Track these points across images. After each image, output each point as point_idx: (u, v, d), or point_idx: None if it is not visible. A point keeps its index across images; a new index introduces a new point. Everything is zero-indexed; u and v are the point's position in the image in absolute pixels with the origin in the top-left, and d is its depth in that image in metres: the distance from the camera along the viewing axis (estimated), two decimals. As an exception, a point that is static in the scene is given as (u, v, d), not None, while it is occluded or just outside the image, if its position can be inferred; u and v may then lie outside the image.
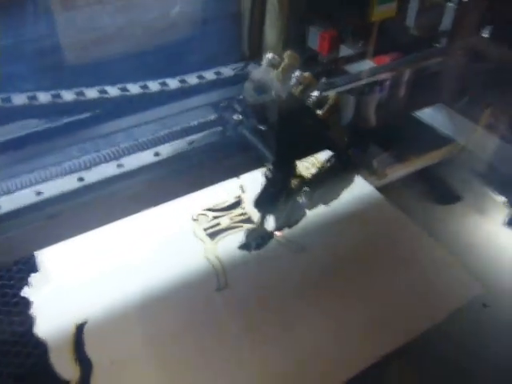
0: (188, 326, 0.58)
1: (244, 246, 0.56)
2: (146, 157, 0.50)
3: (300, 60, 0.45)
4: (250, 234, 0.55)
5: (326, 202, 0.52)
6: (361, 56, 0.61)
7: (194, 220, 0.67)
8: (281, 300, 0.61)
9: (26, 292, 0.60)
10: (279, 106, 0.44)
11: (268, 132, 0.46)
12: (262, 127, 0.46)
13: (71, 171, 0.49)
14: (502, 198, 0.79)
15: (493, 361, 0.58)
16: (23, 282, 0.62)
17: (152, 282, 0.62)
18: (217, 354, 0.55)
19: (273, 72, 0.45)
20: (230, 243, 0.65)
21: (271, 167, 0.49)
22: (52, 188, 0.47)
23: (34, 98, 0.51)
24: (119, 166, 0.48)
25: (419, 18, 0.62)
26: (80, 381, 0.53)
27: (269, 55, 0.46)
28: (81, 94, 0.52)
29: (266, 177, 0.50)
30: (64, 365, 0.54)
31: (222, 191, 0.72)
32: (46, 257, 0.63)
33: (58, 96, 0.51)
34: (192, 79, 0.55)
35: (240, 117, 0.50)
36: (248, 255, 0.63)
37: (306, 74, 0.45)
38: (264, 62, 0.46)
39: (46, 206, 0.46)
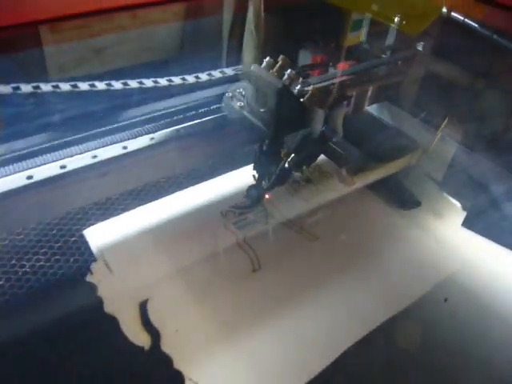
0: (233, 297, 0.70)
1: (246, 197, 0.73)
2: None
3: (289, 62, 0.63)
4: (250, 188, 0.72)
5: (307, 165, 0.70)
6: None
7: (223, 216, 0.79)
8: (303, 279, 0.74)
9: (89, 278, 0.68)
10: (276, 94, 0.60)
11: (266, 113, 0.63)
12: (262, 110, 0.63)
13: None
14: (458, 203, 0.84)
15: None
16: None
17: (194, 263, 0.73)
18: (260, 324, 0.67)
19: (271, 70, 0.63)
20: (258, 234, 0.78)
21: (267, 140, 0.66)
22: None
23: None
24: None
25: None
26: (152, 346, 0.63)
27: (266, 59, 0.64)
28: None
29: (263, 147, 0.67)
30: (136, 334, 0.63)
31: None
32: (99, 243, 0.72)
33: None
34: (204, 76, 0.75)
35: (242, 104, 0.67)
36: (273, 243, 0.78)
37: (292, 72, 0.63)
38: (264, 64, 0.64)
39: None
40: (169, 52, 0.88)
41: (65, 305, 0.66)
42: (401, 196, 0.91)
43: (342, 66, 0.75)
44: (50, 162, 0.60)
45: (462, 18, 0.74)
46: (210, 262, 0.74)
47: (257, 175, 0.71)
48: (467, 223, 0.85)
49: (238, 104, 0.67)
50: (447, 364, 0.65)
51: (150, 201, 0.80)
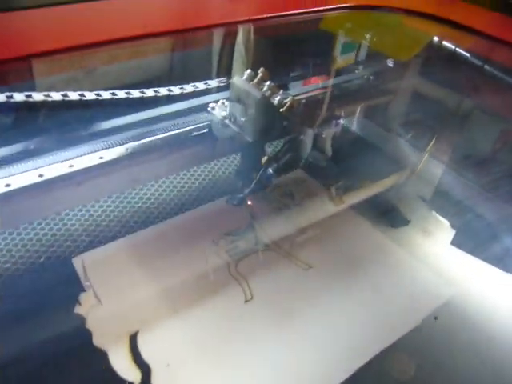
0: (225, 330, 0.69)
1: (228, 201, 0.76)
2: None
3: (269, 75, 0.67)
4: (232, 194, 0.75)
5: (286, 171, 0.74)
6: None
7: (215, 243, 0.79)
8: (297, 307, 0.73)
9: (77, 309, 0.68)
10: (257, 104, 0.64)
11: (247, 122, 0.66)
12: (242, 119, 0.67)
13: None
14: (446, 221, 0.86)
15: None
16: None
17: (187, 295, 0.72)
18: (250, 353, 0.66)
19: (252, 82, 0.66)
20: (249, 262, 0.77)
21: (249, 147, 0.69)
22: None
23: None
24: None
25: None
26: (142, 381, 0.61)
27: (248, 71, 0.67)
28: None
29: (244, 154, 0.71)
30: (125, 369, 0.62)
31: (235, 220, 0.84)
32: (88, 272, 0.71)
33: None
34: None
35: (225, 113, 0.70)
36: (266, 272, 0.77)
37: (272, 84, 0.66)
38: (245, 76, 0.67)
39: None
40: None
41: (52, 337, 0.65)
42: (389, 214, 0.91)
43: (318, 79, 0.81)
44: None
45: (453, 47, 0.77)
46: (202, 293, 0.73)
47: (238, 182, 0.74)
48: (456, 241, 0.85)
49: (222, 114, 0.71)
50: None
51: (140, 228, 0.79)
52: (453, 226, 0.85)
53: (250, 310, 0.72)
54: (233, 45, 0.85)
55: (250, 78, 0.67)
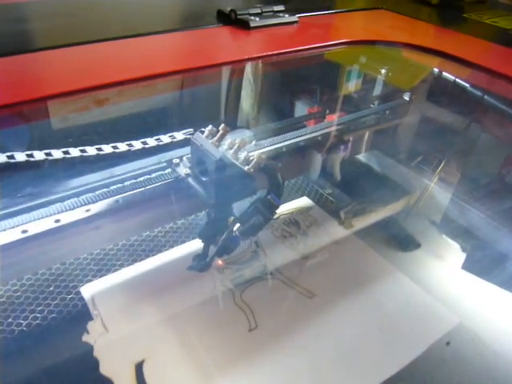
0: (229, 357, 0.69)
1: (190, 268, 0.70)
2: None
3: (229, 130, 0.62)
4: (195, 258, 0.69)
5: (253, 234, 0.69)
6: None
7: (220, 272, 0.80)
8: (301, 334, 0.73)
9: (85, 338, 0.69)
10: (215, 165, 0.59)
11: (208, 183, 0.62)
12: (204, 179, 0.63)
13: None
14: (457, 244, 0.85)
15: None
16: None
17: (193, 323, 0.74)
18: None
19: (212, 139, 0.62)
20: (255, 291, 0.78)
21: (213, 208, 0.65)
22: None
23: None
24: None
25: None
26: None
27: (208, 127, 0.63)
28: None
29: (209, 215, 0.66)
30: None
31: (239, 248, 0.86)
32: (95, 301, 0.73)
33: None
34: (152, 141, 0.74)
35: (188, 170, 0.66)
36: (271, 300, 0.77)
37: (238, 139, 0.62)
38: (205, 132, 0.64)
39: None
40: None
41: (61, 366, 0.66)
42: (400, 238, 0.91)
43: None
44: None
45: (453, 77, 0.79)
46: (207, 320, 0.73)
47: (202, 243, 0.70)
48: (467, 265, 0.85)
49: (184, 171, 0.67)
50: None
51: (147, 256, 0.81)
52: (463, 250, 0.85)
53: (254, 338, 0.72)
54: (239, 82, 0.88)
55: (211, 135, 0.63)
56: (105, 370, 0.65)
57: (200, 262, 0.68)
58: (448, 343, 0.71)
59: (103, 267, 0.80)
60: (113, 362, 0.66)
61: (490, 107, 0.77)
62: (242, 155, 0.62)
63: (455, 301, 0.79)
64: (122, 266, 0.80)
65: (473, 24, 0.91)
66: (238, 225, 0.66)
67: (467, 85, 0.78)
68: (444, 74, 0.82)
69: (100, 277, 0.77)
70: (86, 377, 0.65)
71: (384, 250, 0.88)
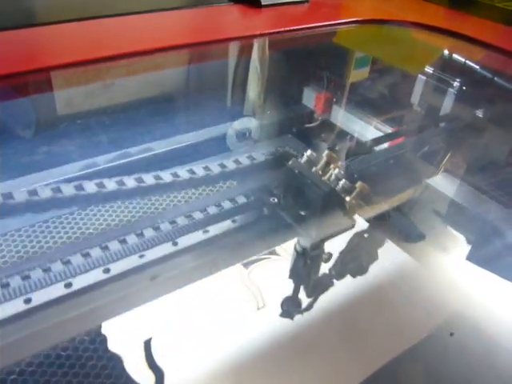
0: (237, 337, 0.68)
1: (284, 314, 0.61)
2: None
3: (338, 159, 0.54)
4: (285, 301, 0.61)
5: (353, 274, 0.63)
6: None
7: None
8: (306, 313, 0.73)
9: None
10: (322, 198, 0.51)
11: (308, 216, 0.54)
12: (302, 212, 0.54)
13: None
14: (462, 236, 0.83)
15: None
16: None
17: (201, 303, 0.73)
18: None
19: (313, 167, 0.54)
20: (262, 271, 0.78)
21: (305, 245, 0.56)
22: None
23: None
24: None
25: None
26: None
27: (308, 152, 0.55)
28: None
29: (300, 252, 0.57)
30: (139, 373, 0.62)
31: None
32: None
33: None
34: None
35: (276, 200, 0.57)
36: (277, 281, 0.76)
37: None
38: (304, 158, 0.55)
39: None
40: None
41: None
42: (405, 229, 0.90)
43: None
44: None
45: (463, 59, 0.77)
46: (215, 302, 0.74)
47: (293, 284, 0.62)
48: (471, 256, 0.82)
49: (271, 200, 0.59)
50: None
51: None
52: (469, 241, 0.82)
53: (263, 317, 0.73)
54: (247, 58, 0.87)
55: (311, 162, 0.55)
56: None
57: (295, 309, 0.62)
58: (452, 334, 0.71)
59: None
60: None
61: (500, 90, 0.76)
62: (341, 183, 0.54)
63: (457, 289, 0.77)
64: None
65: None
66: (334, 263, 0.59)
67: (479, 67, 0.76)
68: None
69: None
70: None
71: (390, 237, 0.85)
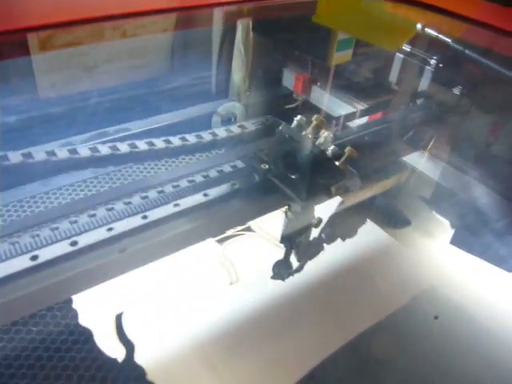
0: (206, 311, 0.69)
1: (276, 276, 0.61)
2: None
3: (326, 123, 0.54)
4: (277, 265, 0.62)
5: (343, 238, 0.64)
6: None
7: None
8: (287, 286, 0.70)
9: None
10: (312, 159, 0.51)
11: (297, 179, 0.53)
12: (292, 175, 0.54)
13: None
14: (446, 220, 0.86)
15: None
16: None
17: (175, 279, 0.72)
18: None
19: (303, 130, 0.53)
20: (236, 247, 0.78)
21: (296, 208, 0.56)
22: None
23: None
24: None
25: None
26: (126, 358, 0.62)
27: (298, 117, 0.55)
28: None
29: (291, 216, 0.57)
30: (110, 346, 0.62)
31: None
32: None
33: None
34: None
35: (267, 166, 0.57)
36: (251, 257, 0.76)
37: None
38: (294, 122, 0.55)
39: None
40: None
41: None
42: (391, 215, 0.91)
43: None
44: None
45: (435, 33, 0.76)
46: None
47: (284, 247, 0.61)
48: (455, 240, 0.85)
49: (262, 166, 0.58)
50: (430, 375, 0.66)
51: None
52: (453, 226, 0.85)
53: (235, 292, 0.72)
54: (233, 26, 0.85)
55: (301, 126, 0.55)
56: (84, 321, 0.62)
57: (285, 271, 0.61)
58: (436, 317, 0.73)
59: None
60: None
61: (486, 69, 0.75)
62: (330, 149, 0.54)
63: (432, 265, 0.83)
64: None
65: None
66: (325, 227, 0.58)
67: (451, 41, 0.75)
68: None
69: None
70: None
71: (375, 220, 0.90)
